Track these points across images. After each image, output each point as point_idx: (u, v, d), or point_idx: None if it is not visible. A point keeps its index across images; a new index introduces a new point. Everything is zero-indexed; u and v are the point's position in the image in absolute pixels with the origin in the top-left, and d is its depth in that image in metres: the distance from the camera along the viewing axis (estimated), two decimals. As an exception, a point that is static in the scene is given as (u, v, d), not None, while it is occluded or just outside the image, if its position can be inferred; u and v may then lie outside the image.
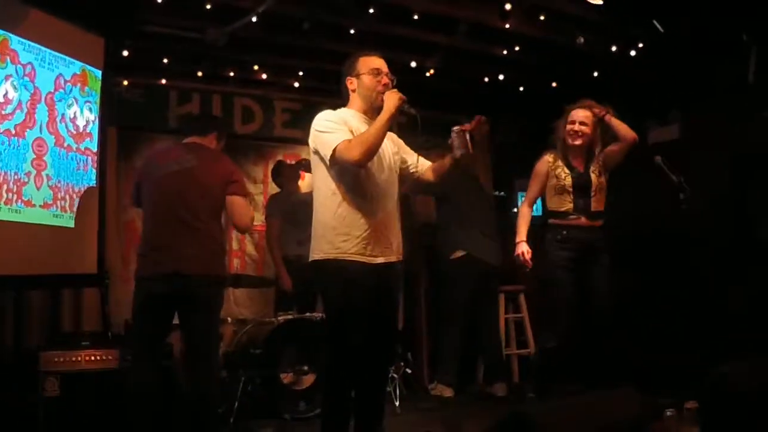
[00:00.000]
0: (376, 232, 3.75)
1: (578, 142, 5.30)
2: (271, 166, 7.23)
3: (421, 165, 4.09)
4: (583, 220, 5.28)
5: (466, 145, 3.90)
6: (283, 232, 6.60)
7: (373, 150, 3.65)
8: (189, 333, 4.42)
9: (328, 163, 3.70)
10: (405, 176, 4.10)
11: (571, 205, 5.30)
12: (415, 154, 4.12)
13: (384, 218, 3.81)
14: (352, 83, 3.91)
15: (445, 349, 6.52)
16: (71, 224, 5.24)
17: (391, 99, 3.70)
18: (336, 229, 3.72)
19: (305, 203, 6.72)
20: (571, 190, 5.29)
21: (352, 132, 3.71)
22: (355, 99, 3.92)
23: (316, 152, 3.78)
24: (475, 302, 6.47)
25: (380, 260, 3.78)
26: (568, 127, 5.32)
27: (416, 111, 3.74)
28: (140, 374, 4.31)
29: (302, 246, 6.51)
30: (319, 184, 3.83)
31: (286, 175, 6.88)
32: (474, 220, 6.44)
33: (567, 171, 5.33)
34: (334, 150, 3.63)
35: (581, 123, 5.29)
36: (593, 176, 5.31)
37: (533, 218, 5.47)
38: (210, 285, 4.37)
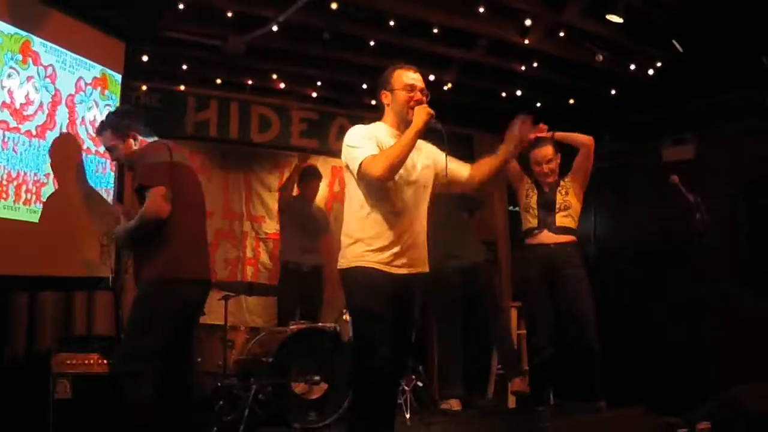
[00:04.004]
0: (401, 244, 3.76)
1: (551, 179, 5.69)
2: (286, 175, 7.22)
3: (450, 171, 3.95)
4: (545, 232, 5.61)
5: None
6: (288, 237, 6.69)
7: (397, 165, 3.65)
8: (189, 342, 4.33)
9: (356, 177, 3.73)
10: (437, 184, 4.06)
11: (535, 221, 5.68)
12: (458, 163, 4.07)
13: (410, 231, 3.81)
14: (386, 97, 3.90)
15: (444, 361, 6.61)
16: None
17: (419, 114, 3.69)
18: (362, 240, 3.75)
19: (315, 216, 6.84)
20: (535, 206, 5.70)
21: (380, 147, 3.72)
22: (388, 113, 3.92)
23: (347, 166, 3.81)
24: (469, 312, 6.45)
25: (403, 271, 3.78)
26: (536, 170, 5.71)
27: (442, 127, 3.74)
28: (152, 387, 3.87)
29: (304, 254, 6.60)
30: (350, 197, 3.86)
31: (312, 182, 6.90)
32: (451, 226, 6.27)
33: (534, 191, 5.76)
34: (360, 165, 3.65)
35: (547, 162, 5.65)
36: (559, 195, 5.64)
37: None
38: None
